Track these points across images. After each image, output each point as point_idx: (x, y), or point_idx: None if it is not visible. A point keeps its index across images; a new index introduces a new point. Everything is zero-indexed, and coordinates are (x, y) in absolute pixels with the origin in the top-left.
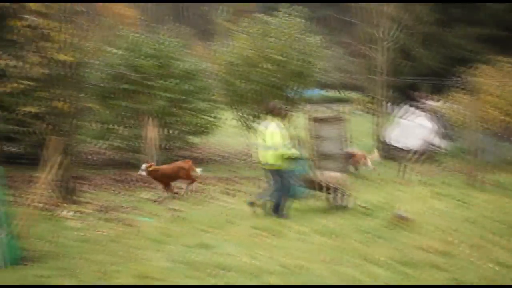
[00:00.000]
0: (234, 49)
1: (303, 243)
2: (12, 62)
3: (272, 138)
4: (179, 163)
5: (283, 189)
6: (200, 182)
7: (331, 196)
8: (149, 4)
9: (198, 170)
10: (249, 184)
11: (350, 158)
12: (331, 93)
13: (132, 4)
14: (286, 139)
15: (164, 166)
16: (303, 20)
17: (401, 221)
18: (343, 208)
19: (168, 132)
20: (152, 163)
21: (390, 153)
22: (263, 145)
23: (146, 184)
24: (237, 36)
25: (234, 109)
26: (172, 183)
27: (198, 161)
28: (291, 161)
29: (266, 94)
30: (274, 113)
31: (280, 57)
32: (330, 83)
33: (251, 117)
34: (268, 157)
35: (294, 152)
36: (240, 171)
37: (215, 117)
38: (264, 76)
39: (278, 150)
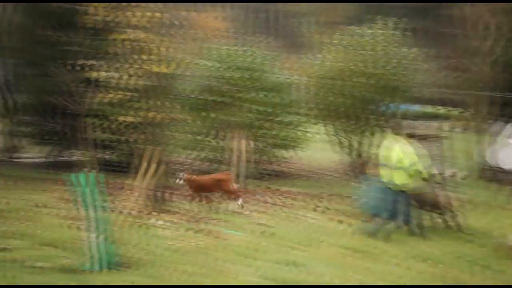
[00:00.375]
0: (325, 62)
1: (398, 268)
2: (112, 74)
3: (405, 157)
4: (218, 175)
5: (402, 210)
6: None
7: (439, 216)
8: (240, 16)
9: (236, 186)
10: (338, 202)
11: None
12: (428, 109)
13: (223, 16)
14: (417, 158)
15: (204, 177)
16: (398, 32)
17: (510, 252)
18: (450, 229)
19: (256, 145)
20: (190, 172)
21: (495, 175)
22: (390, 164)
23: (232, 196)
24: (328, 48)
25: (324, 124)
26: (212, 195)
27: (285, 176)
28: (418, 181)
29: (358, 108)
30: (398, 131)
31: (373, 71)
32: (427, 98)
33: (342, 132)
34: (397, 176)
35: (426, 171)
36: (329, 187)
37: (304, 131)
38: (356, 90)
39: (412, 169)
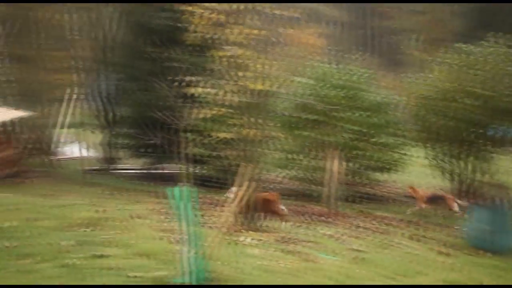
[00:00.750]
0: (429, 81)
1: None
2: (209, 90)
3: None
4: (264, 194)
5: None
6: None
7: None
8: (336, 33)
9: (283, 208)
10: (437, 231)
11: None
12: None
13: (319, 33)
14: None
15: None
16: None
17: None
18: None
19: (351, 166)
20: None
21: None
22: None
23: (327, 219)
24: (431, 67)
25: (425, 147)
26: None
27: (379, 200)
28: None
29: (463, 131)
30: None
31: (482, 91)
32: None
33: (444, 156)
34: None
35: None
36: (428, 215)
37: (402, 154)
38: (462, 111)
39: None
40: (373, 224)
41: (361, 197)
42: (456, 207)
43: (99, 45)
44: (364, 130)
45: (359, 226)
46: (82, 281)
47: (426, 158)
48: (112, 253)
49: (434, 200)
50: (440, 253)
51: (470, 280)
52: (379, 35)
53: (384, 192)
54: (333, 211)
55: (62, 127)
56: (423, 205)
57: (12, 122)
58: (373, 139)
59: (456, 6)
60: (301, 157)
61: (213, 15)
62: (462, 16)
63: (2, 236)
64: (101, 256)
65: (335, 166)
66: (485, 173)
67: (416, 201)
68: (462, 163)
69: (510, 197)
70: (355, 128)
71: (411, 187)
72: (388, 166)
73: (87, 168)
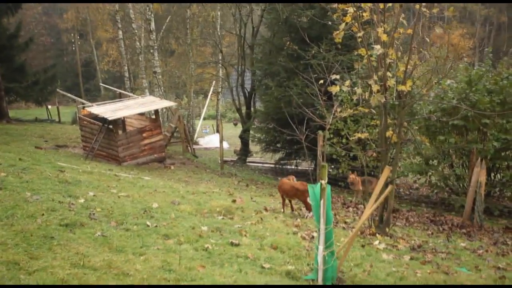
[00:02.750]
0: None
1: None
2: (354, 89)
3: None
4: (297, 184)
5: None
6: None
7: None
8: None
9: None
10: None
11: None
12: None
13: (469, 34)
14: None
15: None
16: None
17: None
18: None
19: (497, 178)
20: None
21: None
22: None
23: (464, 231)
24: None
25: None
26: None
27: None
28: None
29: None
30: None
31: None
32: None
33: None
34: None
35: None
36: None
37: None
38: None
39: None
40: None
41: (509, 212)
42: None
43: (244, 42)
44: None
45: (506, 244)
46: (221, 266)
47: None
48: (247, 242)
49: None
50: None
51: None
52: None
53: None
54: (476, 224)
55: (204, 118)
56: None
57: (161, 111)
58: None
59: None
60: (441, 163)
61: (364, 14)
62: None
63: (151, 216)
64: (237, 244)
65: (481, 176)
66: None
67: None
68: None
69: None
70: (507, 136)
71: None
72: None
73: (224, 158)
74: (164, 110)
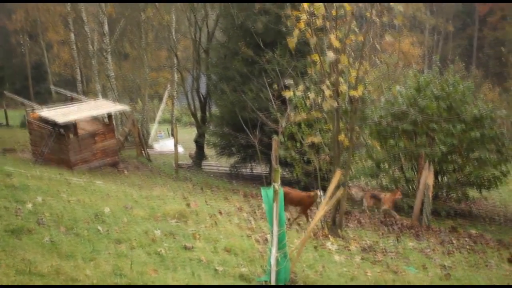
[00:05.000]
0: None
1: None
2: (307, 94)
3: None
4: (304, 194)
5: None
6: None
7: None
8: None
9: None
10: None
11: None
12: None
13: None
14: None
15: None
16: None
17: None
18: None
19: (443, 180)
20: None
21: None
22: None
23: (413, 231)
24: None
25: None
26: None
27: (475, 218)
28: None
29: None
30: None
31: None
32: None
33: None
34: None
35: None
36: None
37: (502, 171)
38: None
39: None
40: (467, 242)
41: (455, 213)
42: None
43: (199, 46)
44: (462, 144)
45: (451, 243)
46: (174, 271)
47: None
48: (201, 246)
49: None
50: None
51: None
52: (486, 46)
53: (481, 210)
54: (424, 224)
55: (159, 122)
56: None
57: (115, 115)
58: (471, 154)
59: None
60: (391, 167)
61: (317, 21)
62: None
63: (103, 221)
64: (191, 248)
65: (429, 179)
66: None
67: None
68: None
69: None
70: (455, 141)
71: None
72: (484, 183)
73: (179, 163)
74: (118, 114)
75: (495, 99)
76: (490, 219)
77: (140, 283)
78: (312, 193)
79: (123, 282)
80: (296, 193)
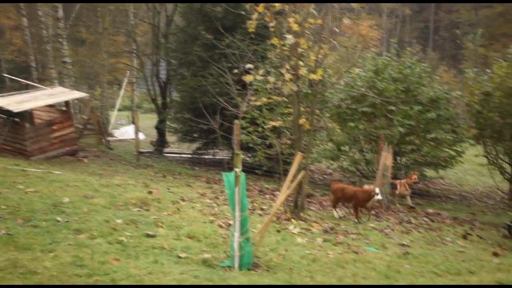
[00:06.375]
0: (492, 78)
1: None
2: (267, 78)
3: None
4: (359, 189)
5: None
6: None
7: None
8: (396, 25)
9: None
10: (491, 231)
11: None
12: None
13: (377, 25)
14: None
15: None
16: None
17: None
18: None
19: (402, 161)
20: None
21: None
22: None
23: (377, 213)
24: (497, 63)
25: (482, 145)
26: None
27: (432, 197)
28: None
29: None
30: None
31: None
32: None
33: (505, 156)
34: None
35: None
36: (481, 214)
37: (457, 151)
38: None
39: None
40: (425, 221)
41: (413, 193)
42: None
43: (158, 31)
44: (419, 125)
45: (410, 222)
46: (136, 259)
47: (485, 157)
48: (163, 233)
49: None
50: (495, 255)
51: None
52: (439, 28)
53: (438, 189)
54: (384, 205)
55: (119, 109)
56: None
57: (73, 102)
58: (427, 135)
59: None
60: (352, 149)
61: (276, 4)
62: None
63: (62, 211)
64: (153, 236)
65: (387, 160)
66: None
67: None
68: None
69: None
70: (410, 122)
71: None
72: (440, 163)
73: (140, 150)
74: (76, 101)
75: (451, 81)
76: (446, 198)
77: (102, 272)
78: (368, 188)
79: (83, 272)
80: (350, 188)
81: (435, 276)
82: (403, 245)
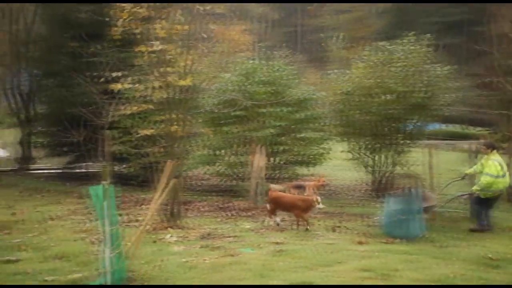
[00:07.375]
0: (351, 78)
1: None
2: (135, 86)
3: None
4: (298, 197)
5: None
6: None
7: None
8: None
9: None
10: (357, 221)
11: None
12: (453, 128)
13: (247, 30)
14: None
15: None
16: (431, 49)
17: None
18: None
19: (275, 161)
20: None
21: None
22: (500, 175)
23: (249, 214)
24: (355, 64)
25: (346, 141)
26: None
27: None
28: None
29: (384, 126)
30: (496, 148)
31: (401, 88)
32: (453, 117)
33: (367, 151)
34: (502, 184)
35: None
36: (348, 207)
37: (325, 148)
38: (382, 107)
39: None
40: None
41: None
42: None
43: (18, 39)
44: (289, 126)
45: (284, 220)
46: None
47: (350, 152)
48: (28, 256)
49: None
50: (360, 243)
51: (385, 264)
52: (306, 32)
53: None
54: (258, 205)
55: None
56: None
57: None
58: (297, 134)
59: (380, 6)
60: (227, 153)
61: (140, 10)
62: (385, 15)
63: None
64: (17, 261)
65: (260, 161)
66: (401, 165)
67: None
68: (381, 156)
69: (420, 186)
70: (280, 123)
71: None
72: (311, 160)
73: (2, 169)
74: None
75: (317, 82)
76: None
77: None
78: (308, 197)
79: None
80: (289, 197)
81: (307, 270)
82: (277, 243)
